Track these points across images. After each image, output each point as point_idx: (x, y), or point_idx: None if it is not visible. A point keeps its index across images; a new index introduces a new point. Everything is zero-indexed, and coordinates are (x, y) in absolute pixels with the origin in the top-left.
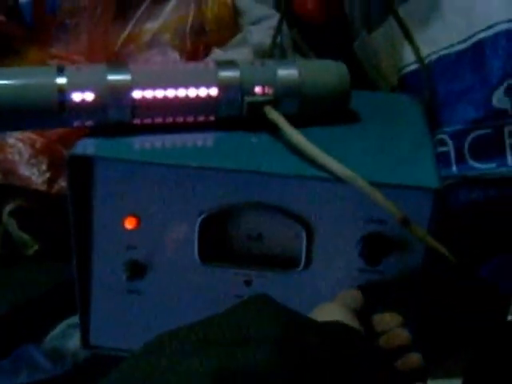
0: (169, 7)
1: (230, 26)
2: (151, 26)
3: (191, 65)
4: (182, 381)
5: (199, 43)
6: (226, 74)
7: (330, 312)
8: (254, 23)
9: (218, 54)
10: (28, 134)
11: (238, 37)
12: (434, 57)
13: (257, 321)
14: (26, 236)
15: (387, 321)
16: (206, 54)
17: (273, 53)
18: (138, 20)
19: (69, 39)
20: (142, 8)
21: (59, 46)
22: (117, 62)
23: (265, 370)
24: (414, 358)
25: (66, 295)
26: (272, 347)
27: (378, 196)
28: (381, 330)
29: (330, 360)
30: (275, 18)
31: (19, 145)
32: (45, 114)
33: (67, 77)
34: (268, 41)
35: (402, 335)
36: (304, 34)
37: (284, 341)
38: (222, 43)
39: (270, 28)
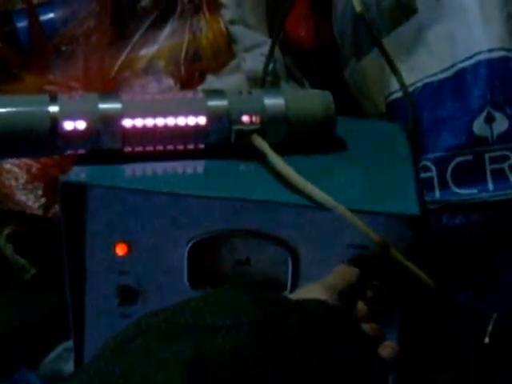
0: (164, 34)
1: (225, 52)
2: (146, 52)
3: (181, 94)
4: (160, 368)
5: (194, 70)
6: (215, 103)
7: (312, 292)
8: (247, 50)
9: (211, 80)
10: (24, 160)
11: (232, 64)
12: (419, 84)
13: (235, 305)
14: (22, 260)
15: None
16: (201, 81)
17: (265, 79)
18: (134, 46)
19: (65, 65)
20: (138, 35)
21: (56, 72)
22: (108, 92)
23: (244, 355)
24: (390, 346)
25: (62, 319)
26: (250, 331)
27: (357, 222)
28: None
29: (310, 341)
30: (268, 45)
31: (15, 170)
32: (37, 141)
33: (59, 105)
34: (261, 67)
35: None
36: (297, 60)
37: (262, 324)
38: (216, 70)
39: (262, 55)
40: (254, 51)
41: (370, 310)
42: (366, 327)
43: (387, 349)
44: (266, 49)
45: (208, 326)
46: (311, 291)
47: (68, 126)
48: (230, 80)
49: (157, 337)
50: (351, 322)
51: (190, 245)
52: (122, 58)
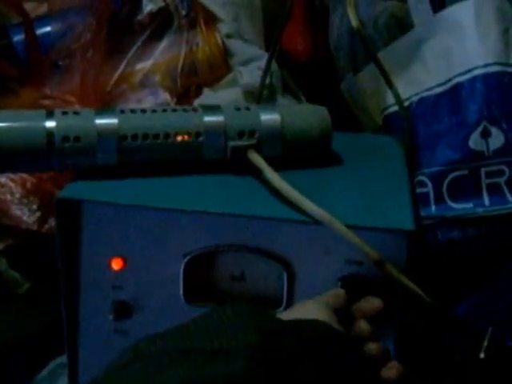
0: (160, 48)
1: (221, 66)
2: (143, 66)
3: (177, 109)
4: None
5: (190, 83)
6: (211, 118)
7: (309, 310)
8: (243, 64)
9: (208, 94)
10: (19, 174)
11: (229, 77)
12: (415, 99)
13: (233, 329)
14: (16, 275)
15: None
16: (197, 95)
17: (262, 93)
18: (130, 61)
19: (62, 79)
20: (134, 48)
21: (52, 86)
22: (104, 107)
23: (241, 380)
24: (395, 367)
25: (55, 334)
26: (248, 356)
27: (353, 238)
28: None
29: (308, 364)
30: (265, 58)
31: (10, 184)
32: (33, 157)
33: (56, 121)
34: (257, 81)
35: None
36: (293, 74)
37: (259, 349)
38: (212, 84)
39: (259, 68)
40: (251, 65)
41: (373, 329)
42: (372, 347)
43: (392, 370)
44: (262, 62)
45: (206, 350)
46: (307, 310)
47: (64, 141)
48: (226, 94)
49: (154, 361)
50: (349, 343)
51: (185, 260)
52: (119, 72)
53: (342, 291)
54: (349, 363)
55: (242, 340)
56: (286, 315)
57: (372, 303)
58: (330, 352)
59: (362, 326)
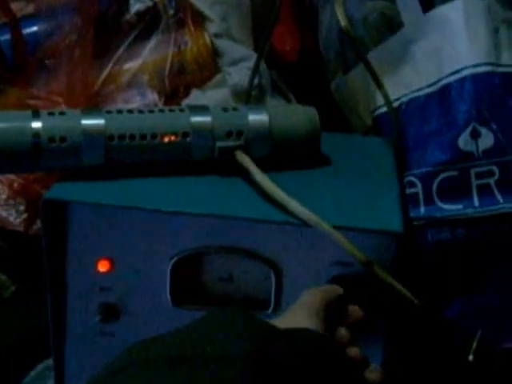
0: (148, 48)
1: (210, 66)
2: (130, 66)
3: (165, 109)
4: None
5: (178, 84)
6: (198, 119)
7: (299, 319)
8: (232, 64)
9: (196, 94)
10: (6, 175)
11: (217, 77)
12: (404, 99)
13: (226, 336)
14: (3, 277)
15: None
16: (186, 95)
17: (250, 93)
18: (118, 60)
19: (48, 79)
20: (122, 48)
21: (39, 87)
22: (91, 107)
23: None
24: (375, 371)
25: (43, 337)
26: (242, 363)
27: (340, 239)
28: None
29: (301, 373)
30: (254, 58)
31: None
32: (19, 158)
33: (42, 121)
34: (246, 81)
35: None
36: (283, 74)
37: (253, 355)
38: (201, 84)
39: (248, 69)
40: (240, 65)
41: (352, 335)
42: (351, 351)
43: (373, 373)
44: (251, 62)
45: (200, 356)
46: (298, 319)
47: (51, 141)
48: (215, 94)
49: (148, 367)
50: (339, 351)
51: (172, 261)
52: (106, 72)
53: (332, 288)
54: (340, 371)
55: (235, 346)
56: (276, 323)
57: (352, 313)
58: (322, 360)
59: (342, 333)
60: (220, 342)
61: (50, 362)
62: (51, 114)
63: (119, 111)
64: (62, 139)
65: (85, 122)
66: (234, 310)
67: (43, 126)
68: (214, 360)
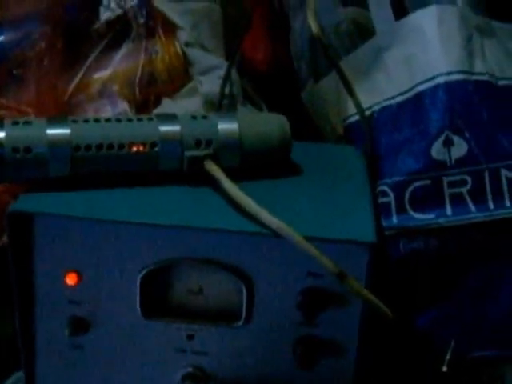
0: (118, 57)
1: (181, 75)
2: (100, 75)
3: (133, 118)
4: None
5: (149, 93)
6: (167, 128)
7: None
8: (203, 73)
9: (167, 104)
10: None
11: (188, 86)
12: (377, 107)
13: None
14: None
15: None
16: (157, 104)
17: (221, 102)
18: (87, 70)
19: (17, 89)
20: (92, 57)
21: (8, 96)
22: (57, 117)
23: None
24: None
25: (12, 349)
26: None
27: (312, 250)
28: None
29: None
30: (225, 67)
31: None
32: None
33: (6, 131)
34: (218, 90)
35: None
36: (254, 83)
37: None
38: (172, 93)
39: (219, 77)
40: (211, 74)
41: None
42: None
43: None
44: (222, 71)
45: None
46: None
47: (15, 152)
48: (186, 103)
49: None
50: None
51: (141, 274)
52: (76, 81)
53: None
54: None
55: None
56: None
57: None
58: None
59: None
60: None
61: (19, 374)
62: (15, 123)
63: (86, 120)
64: (27, 149)
65: (50, 131)
66: None
67: (6, 136)
68: None
